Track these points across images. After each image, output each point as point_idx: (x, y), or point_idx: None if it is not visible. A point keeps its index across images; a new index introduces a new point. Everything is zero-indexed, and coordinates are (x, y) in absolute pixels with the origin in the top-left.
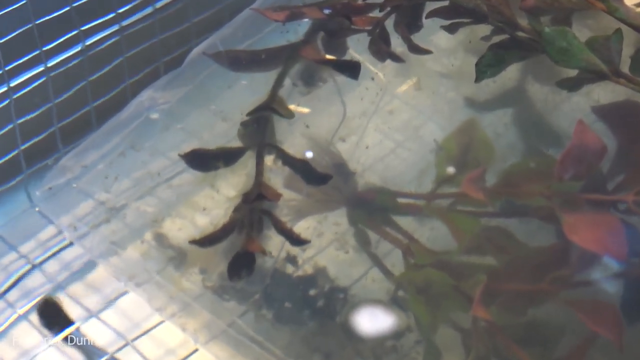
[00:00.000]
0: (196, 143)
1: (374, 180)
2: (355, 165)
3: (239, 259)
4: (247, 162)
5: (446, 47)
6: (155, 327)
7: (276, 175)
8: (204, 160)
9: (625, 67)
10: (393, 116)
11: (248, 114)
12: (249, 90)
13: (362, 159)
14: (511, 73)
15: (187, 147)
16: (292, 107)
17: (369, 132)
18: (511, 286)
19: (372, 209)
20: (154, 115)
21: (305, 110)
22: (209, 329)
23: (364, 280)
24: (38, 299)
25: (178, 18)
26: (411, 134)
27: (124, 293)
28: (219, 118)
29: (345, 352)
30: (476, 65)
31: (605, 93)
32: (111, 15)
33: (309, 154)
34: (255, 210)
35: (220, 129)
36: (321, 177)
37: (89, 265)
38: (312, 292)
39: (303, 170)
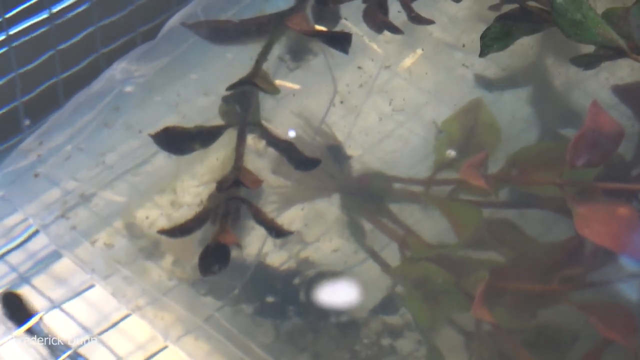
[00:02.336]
0: (175, 118)
1: (372, 164)
2: (352, 147)
3: (211, 252)
4: (231, 143)
5: (457, 15)
6: (123, 319)
7: (263, 159)
8: (178, 141)
9: None
10: (394, 94)
11: (228, 88)
12: (236, 63)
13: (359, 140)
14: (528, 47)
15: (165, 123)
16: (278, 82)
17: (367, 112)
18: (517, 285)
19: (367, 196)
20: (129, 88)
21: (295, 86)
22: (183, 325)
23: (359, 272)
24: (1, 290)
25: None
26: (414, 114)
27: (93, 285)
28: (201, 90)
29: (338, 352)
30: (481, 37)
31: (632, 70)
32: None
33: (292, 133)
34: (232, 198)
35: (202, 103)
36: (309, 161)
37: (56, 255)
38: (296, 281)
39: (289, 153)
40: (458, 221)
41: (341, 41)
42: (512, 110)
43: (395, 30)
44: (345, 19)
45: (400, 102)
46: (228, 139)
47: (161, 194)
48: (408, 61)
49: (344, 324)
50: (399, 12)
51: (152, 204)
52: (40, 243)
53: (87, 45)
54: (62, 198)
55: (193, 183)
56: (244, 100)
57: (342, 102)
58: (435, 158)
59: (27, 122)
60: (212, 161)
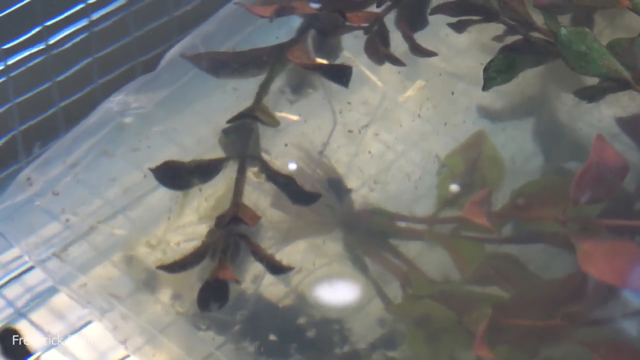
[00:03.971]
0: (175, 151)
1: (373, 197)
2: (352, 180)
3: (210, 288)
4: (232, 173)
5: (459, 44)
6: (123, 359)
7: (263, 192)
8: (177, 176)
9: None
10: (395, 125)
11: (229, 121)
12: (237, 94)
13: (360, 172)
14: (532, 78)
15: (165, 155)
16: (279, 114)
17: (368, 143)
18: (521, 322)
19: (369, 232)
20: (128, 120)
21: (296, 118)
22: None
23: (361, 311)
24: None
25: (156, 11)
26: (416, 145)
27: (91, 321)
28: (201, 122)
29: None
30: (484, 70)
31: (635, 102)
32: (80, 7)
33: (293, 166)
34: (231, 233)
35: (203, 135)
36: (309, 196)
37: (53, 290)
38: (301, 321)
39: (288, 188)
40: (461, 258)
41: (342, 75)
42: (516, 142)
43: (397, 62)
44: (347, 50)
45: (402, 134)
46: (229, 169)
47: (161, 227)
48: (410, 92)
49: (346, 357)
50: (400, 43)
51: (152, 237)
52: (37, 277)
53: (85, 76)
54: (60, 232)
55: (193, 217)
56: (245, 133)
57: (342, 133)
58: (438, 194)
59: (38, 144)
60: (213, 194)
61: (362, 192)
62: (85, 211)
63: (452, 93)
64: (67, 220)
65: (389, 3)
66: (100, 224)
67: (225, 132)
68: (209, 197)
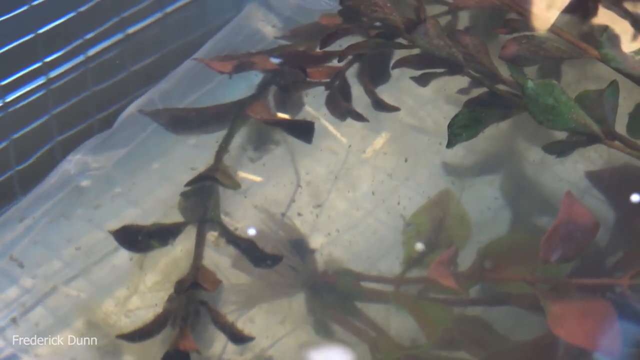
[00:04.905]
0: (135, 211)
1: (338, 256)
2: (317, 238)
3: (171, 359)
4: (192, 236)
5: (423, 96)
6: None
7: (223, 254)
8: (137, 238)
9: (621, 125)
10: (359, 181)
11: (187, 184)
12: (198, 149)
13: (324, 230)
14: (498, 131)
15: (125, 216)
16: (240, 174)
17: (332, 200)
18: None
19: (333, 294)
20: (85, 182)
21: (257, 178)
22: None
23: None
24: None
25: (114, 67)
26: (380, 201)
27: None
28: (161, 180)
29: None
30: (449, 126)
31: (603, 153)
32: (37, 65)
33: (253, 231)
34: (191, 299)
35: (164, 194)
36: (270, 258)
37: (15, 358)
38: None
39: (249, 251)
40: (427, 321)
41: (304, 130)
42: (482, 198)
43: (359, 117)
44: (308, 105)
45: (367, 190)
46: (190, 231)
47: (123, 290)
48: (374, 146)
49: None
50: (363, 95)
51: (114, 300)
52: None
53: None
54: (19, 297)
55: (156, 278)
56: (204, 196)
57: (306, 191)
58: (404, 253)
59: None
60: (175, 256)
61: (326, 251)
62: (44, 274)
63: (417, 147)
64: (26, 284)
65: (350, 57)
66: (60, 286)
67: (184, 195)
68: (170, 259)
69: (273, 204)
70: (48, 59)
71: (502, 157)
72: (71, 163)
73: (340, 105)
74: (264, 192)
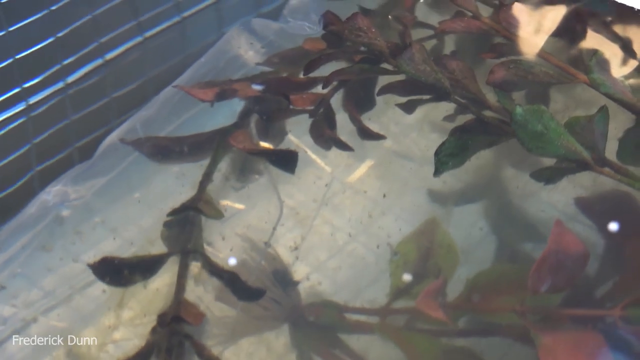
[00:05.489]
0: (116, 242)
1: (322, 286)
2: (301, 267)
3: None
4: (175, 267)
5: (408, 122)
6: None
7: (206, 285)
8: (117, 272)
9: (611, 151)
10: (344, 208)
11: (170, 214)
12: (181, 177)
13: (308, 259)
14: (484, 158)
15: (106, 247)
16: (224, 202)
17: (316, 228)
18: None
19: (318, 326)
20: (65, 212)
21: (240, 206)
22: None
23: None
24: None
25: (94, 94)
26: (365, 229)
27: None
28: (143, 210)
29: None
30: (435, 154)
31: (590, 178)
32: (15, 91)
33: (234, 261)
34: (174, 332)
35: (145, 223)
36: (253, 292)
37: None
38: None
39: (232, 284)
40: (415, 353)
41: (287, 161)
42: (468, 226)
43: (344, 147)
44: (291, 133)
45: (351, 218)
46: (173, 261)
47: (104, 320)
48: (357, 173)
49: None
50: (347, 121)
51: (95, 330)
52: None
53: (20, 163)
54: None
55: (137, 309)
56: (187, 226)
57: (289, 218)
58: (391, 283)
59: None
60: (156, 286)
61: (311, 280)
62: (24, 303)
63: (402, 174)
64: (5, 314)
65: (334, 83)
66: (41, 316)
67: (167, 225)
68: (152, 290)
69: (256, 232)
70: (26, 85)
71: (487, 183)
72: (50, 194)
73: (324, 134)
74: (247, 220)
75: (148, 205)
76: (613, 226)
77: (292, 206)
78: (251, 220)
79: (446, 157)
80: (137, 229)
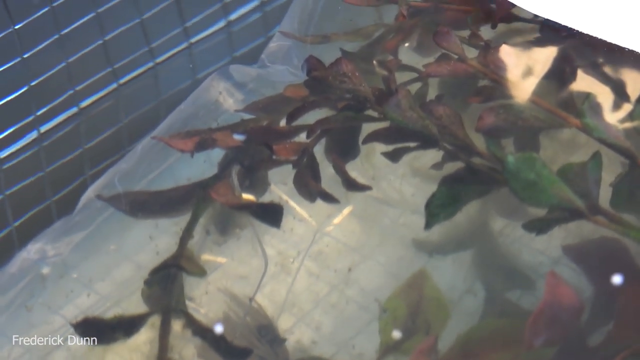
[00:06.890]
0: (93, 298)
1: (309, 341)
2: (286, 319)
3: None
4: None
5: (390, 167)
6: None
7: (189, 342)
8: (99, 331)
9: (603, 198)
10: (329, 260)
11: (151, 273)
12: (159, 229)
13: (292, 310)
14: (470, 206)
15: (84, 302)
16: (206, 256)
17: (300, 279)
18: None
19: None
20: (45, 270)
21: (223, 260)
22: None
23: None
24: None
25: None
26: (350, 280)
27: None
28: (120, 264)
29: None
30: (426, 206)
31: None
32: None
33: (219, 318)
34: None
35: (123, 277)
36: (239, 352)
37: None
38: None
39: (217, 344)
40: None
41: (272, 215)
42: (455, 276)
43: (329, 199)
44: (274, 184)
45: (337, 269)
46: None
47: None
48: (341, 222)
49: None
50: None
51: None
52: None
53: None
54: None
55: None
56: (168, 283)
57: (274, 272)
58: (380, 340)
59: None
60: (138, 343)
61: (297, 333)
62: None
63: (387, 223)
64: None
65: (318, 132)
66: None
67: (147, 283)
68: (134, 348)
69: (239, 286)
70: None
71: (474, 231)
72: (31, 252)
73: (309, 185)
74: (229, 273)
75: (126, 258)
76: (603, 275)
77: (275, 257)
78: (233, 272)
79: (437, 209)
80: (113, 283)
